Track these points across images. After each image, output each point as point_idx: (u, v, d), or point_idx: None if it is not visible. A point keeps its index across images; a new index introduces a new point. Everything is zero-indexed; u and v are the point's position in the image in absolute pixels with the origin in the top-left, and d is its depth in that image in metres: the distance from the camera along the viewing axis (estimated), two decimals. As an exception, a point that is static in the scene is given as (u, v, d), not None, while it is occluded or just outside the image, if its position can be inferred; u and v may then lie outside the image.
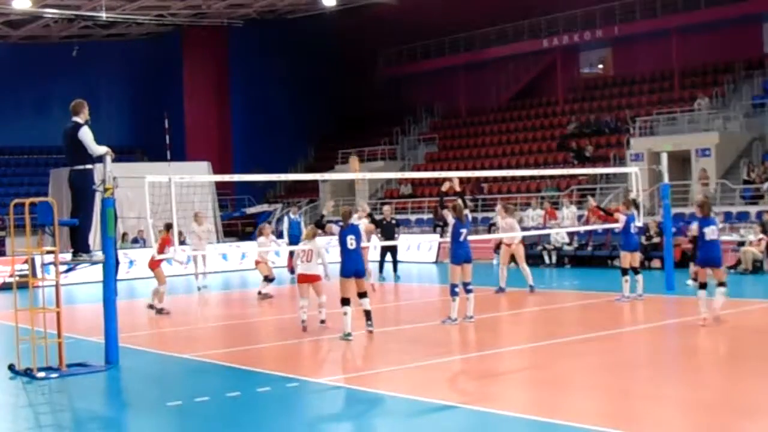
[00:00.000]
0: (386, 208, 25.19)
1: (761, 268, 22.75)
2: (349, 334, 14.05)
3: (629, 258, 17.88)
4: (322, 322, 15.71)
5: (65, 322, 12.83)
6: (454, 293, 15.47)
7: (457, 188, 16.89)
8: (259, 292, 20.87)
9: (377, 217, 23.51)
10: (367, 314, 14.58)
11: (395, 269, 24.71)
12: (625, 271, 17.78)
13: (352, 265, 14.34)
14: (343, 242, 14.36)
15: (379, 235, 22.21)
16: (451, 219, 15.84)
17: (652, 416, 9.14)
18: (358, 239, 14.44)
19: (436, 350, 13.74)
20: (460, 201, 16.04)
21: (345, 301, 14.21)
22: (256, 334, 16.28)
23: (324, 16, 41.73)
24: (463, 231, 15.66)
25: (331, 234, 15.27)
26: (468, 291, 15.68)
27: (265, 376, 11.85)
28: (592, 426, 8.66)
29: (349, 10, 40.35)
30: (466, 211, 16.09)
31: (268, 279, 20.88)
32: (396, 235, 24.30)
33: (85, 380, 12.05)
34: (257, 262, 21.55)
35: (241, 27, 42.75)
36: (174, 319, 18.26)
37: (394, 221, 24.50)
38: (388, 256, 24.71)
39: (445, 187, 17.02)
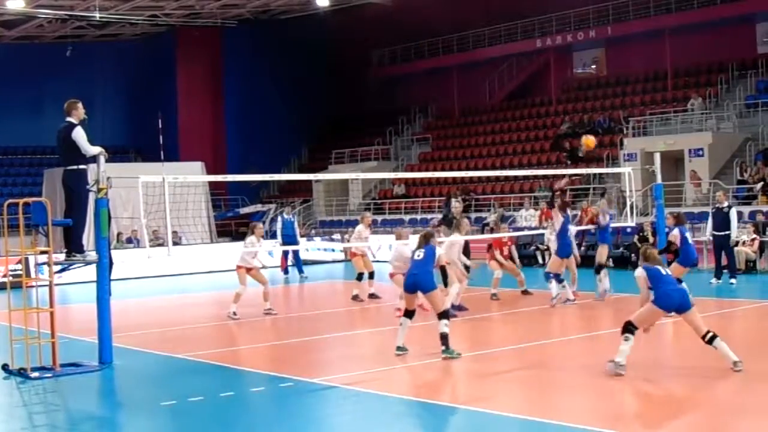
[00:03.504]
0: (456, 205, 24.31)
1: (754, 268, 22.80)
2: (399, 348, 12.74)
3: (606, 252, 18.70)
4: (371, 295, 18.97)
5: (59, 322, 12.83)
6: (549, 278, 17.53)
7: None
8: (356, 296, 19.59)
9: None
10: (442, 338, 12.66)
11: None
12: (600, 268, 18.29)
13: (408, 278, 12.93)
14: (413, 253, 13.27)
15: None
16: (560, 217, 17.73)
17: (649, 416, 9.17)
18: (430, 255, 12.91)
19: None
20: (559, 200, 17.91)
21: (406, 313, 12.93)
22: (251, 334, 16.26)
23: (317, 17, 41.70)
24: (571, 228, 17.55)
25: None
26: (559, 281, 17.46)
27: (259, 376, 11.85)
28: (589, 426, 8.67)
29: (342, 11, 40.33)
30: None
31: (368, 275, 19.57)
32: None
33: (79, 380, 12.04)
34: (353, 255, 20.02)
35: (234, 27, 42.69)
36: (173, 319, 18.26)
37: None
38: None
39: (562, 184, 19.57)
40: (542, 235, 26.84)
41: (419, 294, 12.68)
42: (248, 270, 17.71)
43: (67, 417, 10.57)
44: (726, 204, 20.86)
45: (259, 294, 17.89)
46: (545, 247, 27.25)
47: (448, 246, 16.28)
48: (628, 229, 25.04)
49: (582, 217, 26.72)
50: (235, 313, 17.24)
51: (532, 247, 27.52)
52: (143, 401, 10.93)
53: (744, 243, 23.07)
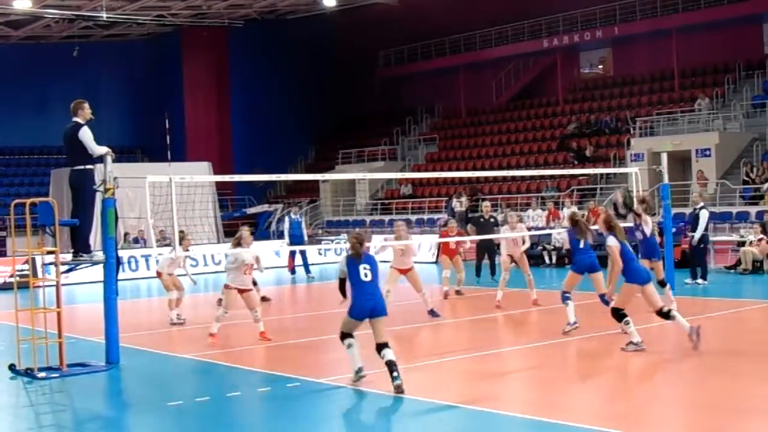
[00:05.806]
0: (486, 203, 23.34)
1: (761, 269, 22.75)
2: (359, 370, 11.04)
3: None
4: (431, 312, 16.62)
5: (66, 322, 12.85)
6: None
7: None
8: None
9: (475, 214, 22.59)
10: (391, 366, 10.60)
11: (493, 272, 22.81)
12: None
13: (365, 303, 10.78)
14: (354, 273, 10.82)
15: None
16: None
17: (652, 416, 9.16)
18: (375, 269, 10.93)
19: (436, 351, 13.75)
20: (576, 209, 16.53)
21: (344, 336, 11.05)
22: (257, 334, 16.27)
23: (324, 17, 41.76)
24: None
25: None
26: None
27: (266, 377, 11.86)
28: (592, 426, 8.67)
29: (349, 11, 40.38)
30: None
31: None
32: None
33: (86, 380, 12.07)
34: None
35: (241, 27, 42.77)
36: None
37: (492, 219, 22.06)
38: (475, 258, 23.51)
39: None
40: (549, 235, 26.89)
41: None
42: (159, 274, 17.15)
43: (73, 417, 10.59)
44: (699, 205, 20.84)
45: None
46: (552, 247, 27.28)
47: None
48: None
49: (589, 218, 26.74)
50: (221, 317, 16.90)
51: (539, 248, 27.48)
52: (150, 401, 10.95)
53: (751, 243, 23.04)
